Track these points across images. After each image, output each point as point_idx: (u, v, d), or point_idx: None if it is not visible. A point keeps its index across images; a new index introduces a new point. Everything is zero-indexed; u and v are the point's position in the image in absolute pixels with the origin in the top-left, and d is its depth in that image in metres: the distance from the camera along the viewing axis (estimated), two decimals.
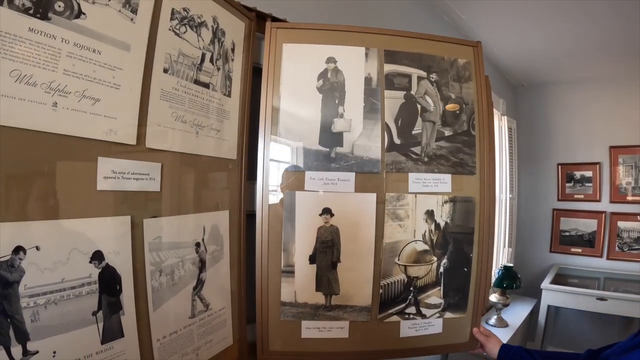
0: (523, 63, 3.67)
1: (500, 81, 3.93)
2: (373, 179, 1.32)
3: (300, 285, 1.26)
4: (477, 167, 1.43)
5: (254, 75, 1.29)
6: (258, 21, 1.29)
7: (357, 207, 1.31)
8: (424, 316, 1.38)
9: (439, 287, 1.39)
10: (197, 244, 1.07)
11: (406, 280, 1.36)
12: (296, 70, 1.28)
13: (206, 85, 1.09)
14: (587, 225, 3.97)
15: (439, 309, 1.40)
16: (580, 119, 4.03)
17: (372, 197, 1.31)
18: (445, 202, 1.38)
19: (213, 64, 1.11)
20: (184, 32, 1.01)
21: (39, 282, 0.70)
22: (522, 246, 4.19)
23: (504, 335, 2.88)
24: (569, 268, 3.92)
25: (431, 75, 1.40)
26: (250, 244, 1.26)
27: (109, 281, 0.82)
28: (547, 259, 4.10)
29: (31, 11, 0.69)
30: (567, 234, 4.07)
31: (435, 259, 1.38)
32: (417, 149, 1.37)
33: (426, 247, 1.37)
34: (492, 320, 3.08)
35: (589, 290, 3.25)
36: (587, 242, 3.96)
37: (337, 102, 1.30)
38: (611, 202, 3.86)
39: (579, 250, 3.96)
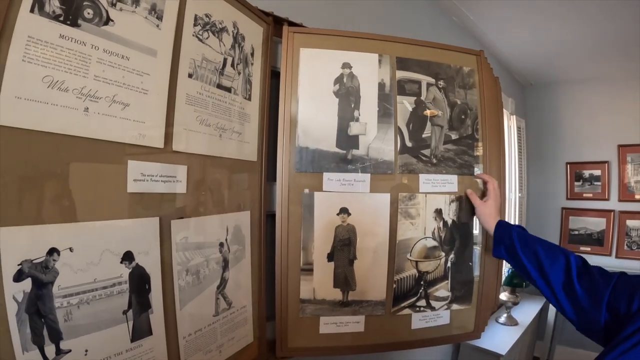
0: (531, 62, 3.67)
1: (509, 80, 3.93)
2: (387, 180, 1.36)
3: (319, 282, 1.29)
4: (480, 168, 1.50)
5: (272, 78, 1.31)
6: (275, 25, 1.31)
7: (373, 207, 1.34)
8: (433, 308, 1.43)
9: (446, 281, 1.45)
10: (221, 244, 1.09)
11: (417, 275, 1.40)
12: (313, 75, 1.30)
13: (228, 90, 1.11)
14: (596, 224, 3.97)
15: (447, 301, 1.45)
16: (588, 117, 4.03)
17: (386, 197, 1.35)
18: (452, 201, 1.44)
19: (234, 69, 1.13)
20: (207, 38, 1.03)
21: (72, 283, 0.72)
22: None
23: (514, 333, 2.89)
24: None
25: (439, 82, 1.45)
26: (270, 244, 1.29)
27: (138, 281, 0.85)
28: None
29: (61, 18, 0.71)
30: (576, 232, 4.07)
31: (443, 254, 1.44)
32: (426, 152, 1.41)
33: (435, 243, 1.42)
34: (502, 319, 3.09)
35: None
36: (596, 241, 3.96)
37: (352, 106, 1.33)
38: (620, 200, 3.86)
39: (588, 249, 3.96)
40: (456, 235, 1.44)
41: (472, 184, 1.48)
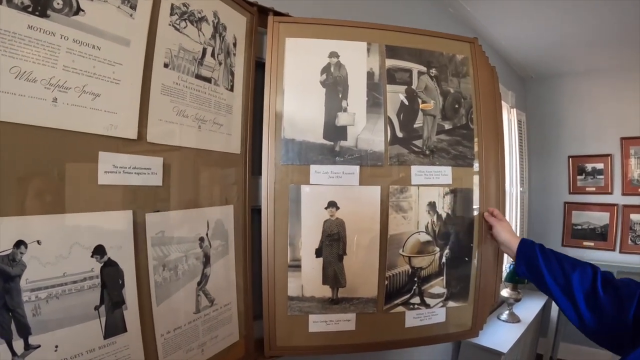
0: (531, 55, 3.63)
1: (509, 73, 3.89)
2: (377, 172, 1.32)
3: (307, 279, 1.26)
4: (475, 159, 1.45)
5: (257, 69, 1.28)
6: (260, 15, 1.28)
7: (362, 200, 1.31)
8: (428, 306, 1.39)
9: (441, 277, 1.41)
10: (201, 239, 1.06)
11: (410, 271, 1.37)
12: (299, 65, 1.28)
13: (208, 80, 1.08)
14: (599, 219, 3.92)
15: (442, 299, 1.41)
16: (590, 110, 3.98)
17: (376, 190, 1.32)
18: (447, 193, 1.40)
19: (214, 59, 1.10)
20: (184, 27, 1.01)
21: (41, 276, 0.71)
22: (534, 240, 4.14)
23: (516, 331, 2.86)
24: None
25: (431, 70, 1.42)
26: (256, 239, 1.26)
27: (111, 276, 0.82)
28: None
29: (30, 9, 0.70)
30: (579, 227, 4.02)
31: (437, 249, 1.39)
32: (418, 142, 1.38)
33: (429, 238, 1.38)
34: (504, 316, 3.06)
35: None
36: (600, 236, 3.91)
37: (340, 96, 1.30)
38: (623, 194, 3.81)
39: (592, 243, 3.91)
40: (451, 229, 1.41)
41: (467, 175, 1.44)
